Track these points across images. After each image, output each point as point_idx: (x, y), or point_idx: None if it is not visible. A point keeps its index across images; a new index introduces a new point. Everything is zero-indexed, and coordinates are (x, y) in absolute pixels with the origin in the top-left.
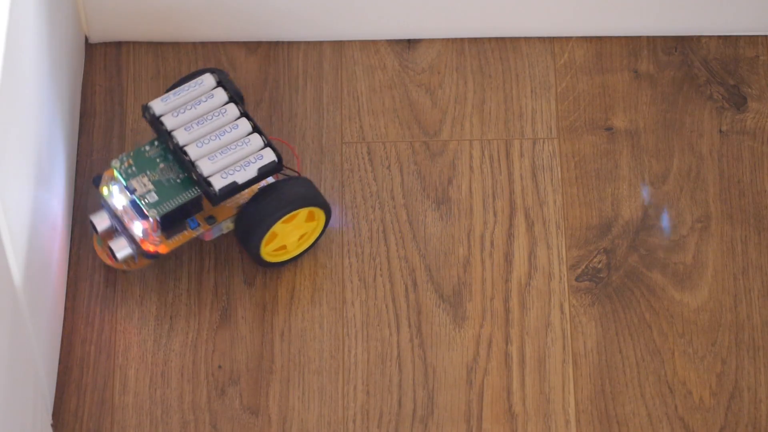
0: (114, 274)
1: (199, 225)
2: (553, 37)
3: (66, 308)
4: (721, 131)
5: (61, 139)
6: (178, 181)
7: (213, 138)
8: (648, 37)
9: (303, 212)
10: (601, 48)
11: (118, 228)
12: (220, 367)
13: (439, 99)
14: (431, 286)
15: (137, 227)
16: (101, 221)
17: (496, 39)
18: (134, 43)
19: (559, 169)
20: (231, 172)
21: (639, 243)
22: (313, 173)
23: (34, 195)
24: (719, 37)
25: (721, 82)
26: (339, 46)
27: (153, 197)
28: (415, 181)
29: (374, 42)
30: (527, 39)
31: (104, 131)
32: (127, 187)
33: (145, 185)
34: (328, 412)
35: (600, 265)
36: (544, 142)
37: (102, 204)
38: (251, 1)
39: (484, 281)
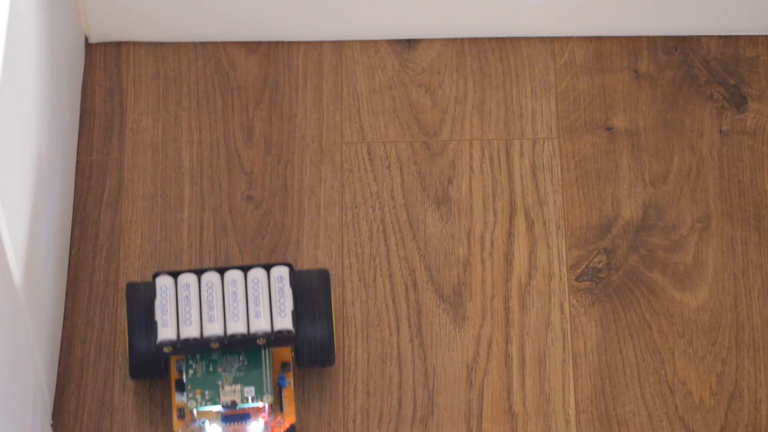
0: (115, 275)
1: (285, 377)
2: (553, 37)
3: (66, 308)
4: (721, 131)
5: (61, 139)
6: (246, 362)
7: (233, 304)
8: (648, 37)
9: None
10: (601, 48)
11: None
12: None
13: (439, 99)
14: (431, 286)
15: (256, 427)
16: None
17: (496, 39)
18: (134, 43)
19: (559, 169)
20: (279, 309)
21: (639, 243)
22: (313, 173)
23: (34, 195)
24: (719, 37)
25: (721, 82)
26: (339, 46)
27: (251, 391)
28: (415, 181)
29: (374, 42)
30: (527, 39)
31: (104, 131)
32: (224, 407)
33: (234, 391)
34: (328, 412)
35: (600, 265)
36: (544, 142)
37: None
38: (251, 1)
39: (484, 281)
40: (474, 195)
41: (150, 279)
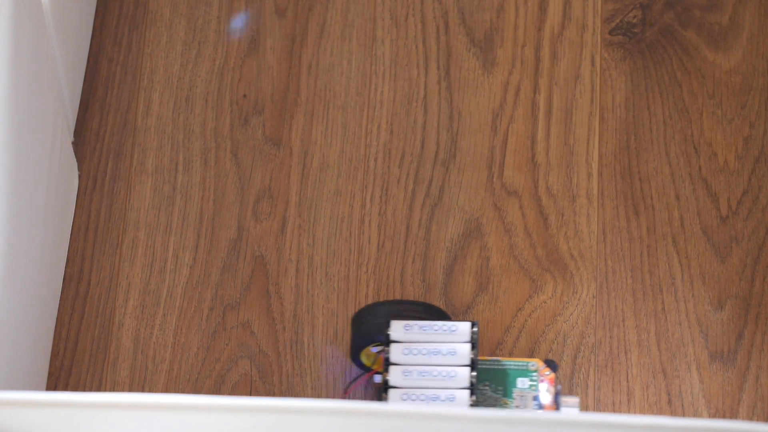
0: None
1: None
2: None
3: (94, 27)
4: None
5: None
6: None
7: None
8: None
9: None
10: None
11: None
12: (245, 96)
13: None
14: (463, 29)
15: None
16: None
17: None
18: None
19: None
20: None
21: (676, 0)
22: None
23: None
24: None
25: None
26: None
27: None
28: None
29: None
30: None
31: None
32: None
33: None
34: (350, 148)
35: (635, 20)
36: None
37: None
38: None
39: (516, 28)
40: None
41: None
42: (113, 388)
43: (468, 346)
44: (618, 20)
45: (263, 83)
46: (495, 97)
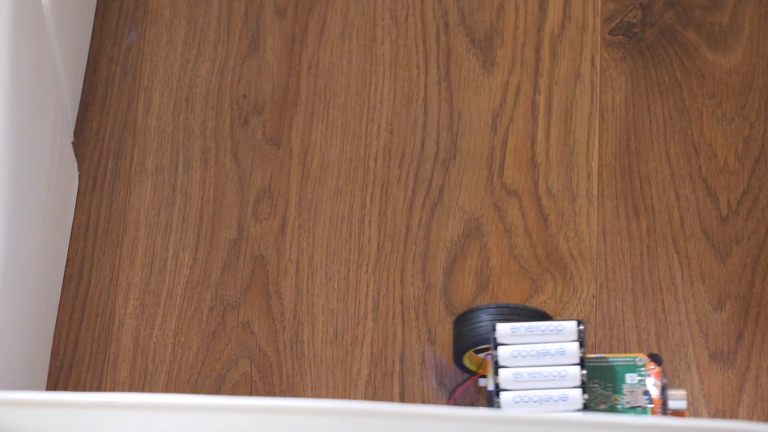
0: None
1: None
2: None
3: (94, 27)
4: None
5: None
6: None
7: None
8: None
9: None
10: None
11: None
12: (245, 96)
13: None
14: (463, 29)
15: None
16: None
17: None
18: None
19: None
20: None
21: (676, 0)
22: None
23: None
24: None
25: None
26: None
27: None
28: None
29: None
30: None
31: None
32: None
33: None
34: (350, 148)
35: (635, 20)
36: None
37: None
38: None
39: (516, 28)
40: None
41: None
42: (113, 388)
43: (576, 344)
44: (618, 20)
45: (263, 83)
46: (495, 97)
